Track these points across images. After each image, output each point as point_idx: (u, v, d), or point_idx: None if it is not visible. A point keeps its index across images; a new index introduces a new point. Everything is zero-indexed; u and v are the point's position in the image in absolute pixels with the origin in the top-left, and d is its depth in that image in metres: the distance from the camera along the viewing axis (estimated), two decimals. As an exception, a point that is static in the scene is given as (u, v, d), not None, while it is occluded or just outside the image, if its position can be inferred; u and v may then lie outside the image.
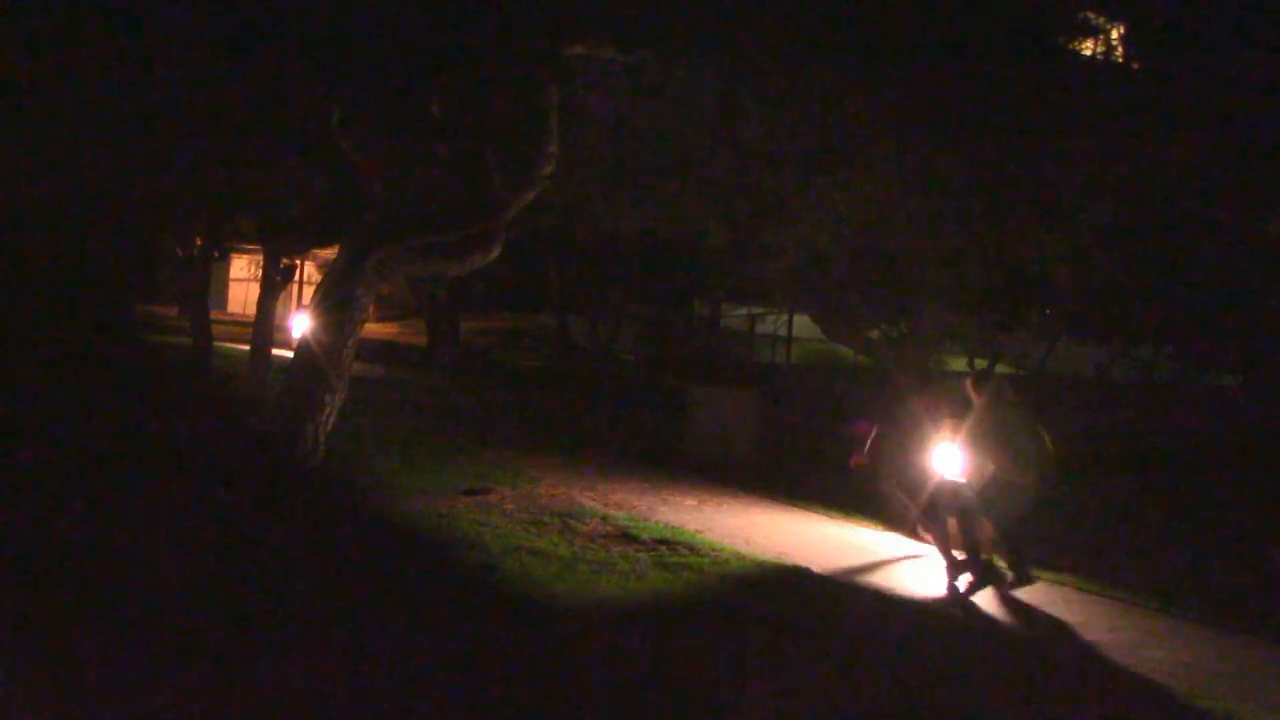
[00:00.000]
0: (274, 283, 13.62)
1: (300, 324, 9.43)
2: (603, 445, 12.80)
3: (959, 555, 7.11)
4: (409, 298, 24.72)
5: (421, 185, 8.19)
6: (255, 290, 16.36)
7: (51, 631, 4.63)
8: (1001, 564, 7.21)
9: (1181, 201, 9.57)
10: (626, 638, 5.49)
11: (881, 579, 7.31)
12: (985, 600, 6.86)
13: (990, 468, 7.12)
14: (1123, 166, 9.11)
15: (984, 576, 7.04)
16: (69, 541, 5.94)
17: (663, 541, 7.57)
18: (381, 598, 5.66)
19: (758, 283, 16.08)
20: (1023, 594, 7.03)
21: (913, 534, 8.23)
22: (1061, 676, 5.49)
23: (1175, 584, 7.90)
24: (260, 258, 15.29)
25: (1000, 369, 17.50)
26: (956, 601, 6.80)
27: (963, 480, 7.22)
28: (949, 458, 7.27)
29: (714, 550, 7.51)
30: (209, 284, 14.93)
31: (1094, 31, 9.47)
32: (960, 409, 7.43)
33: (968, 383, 7.61)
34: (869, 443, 8.02)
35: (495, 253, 8.25)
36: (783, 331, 23.62)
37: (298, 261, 18.12)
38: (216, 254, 14.86)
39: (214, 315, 15.67)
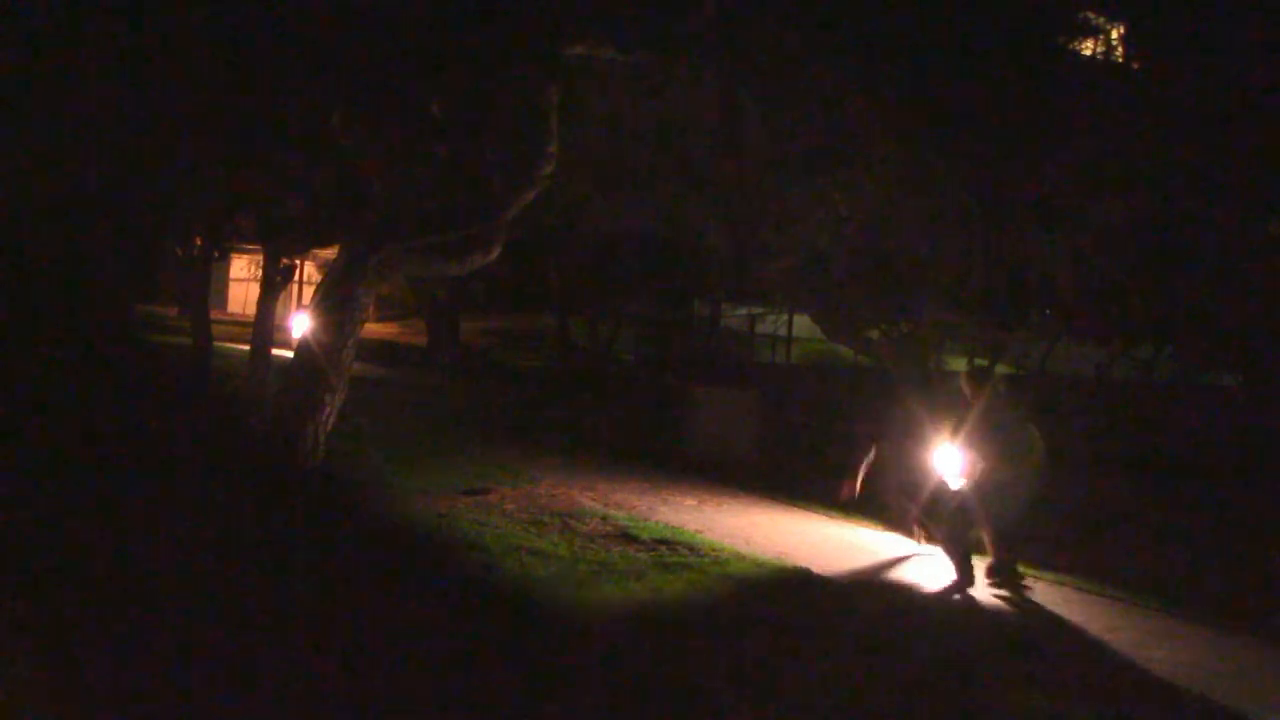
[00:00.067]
0: (274, 283, 13.61)
1: (300, 324, 9.43)
2: (603, 445, 12.80)
3: (960, 553, 7.11)
4: (409, 298, 24.74)
5: (421, 185, 8.18)
6: (255, 290, 16.36)
7: (51, 631, 4.63)
8: (988, 562, 7.22)
9: (1181, 201, 9.57)
10: (626, 638, 5.49)
11: (882, 579, 7.30)
12: (986, 600, 6.86)
13: (983, 465, 7.11)
14: (1123, 166, 9.12)
15: (1001, 575, 7.08)
16: (69, 541, 5.95)
17: (663, 541, 7.57)
18: (381, 598, 5.66)
19: (758, 283, 16.09)
20: (1016, 591, 7.04)
21: (912, 535, 8.22)
22: (1062, 676, 5.49)
23: (1175, 584, 7.90)
24: (260, 258, 15.29)
25: (1000, 369, 17.51)
26: (961, 592, 6.83)
27: (961, 479, 7.23)
28: (947, 457, 7.28)
29: (714, 550, 7.51)
30: (209, 284, 14.92)
31: (1094, 31, 9.48)
32: (957, 408, 7.44)
33: (963, 378, 7.62)
34: (862, 469, 8.07)
35: (495, 253, 8.25)
36: (783, 331, 23.62)
37: (298, 261, 18.12)
38: (216, 254, 14.85)
39: (214, 315, 15.66)
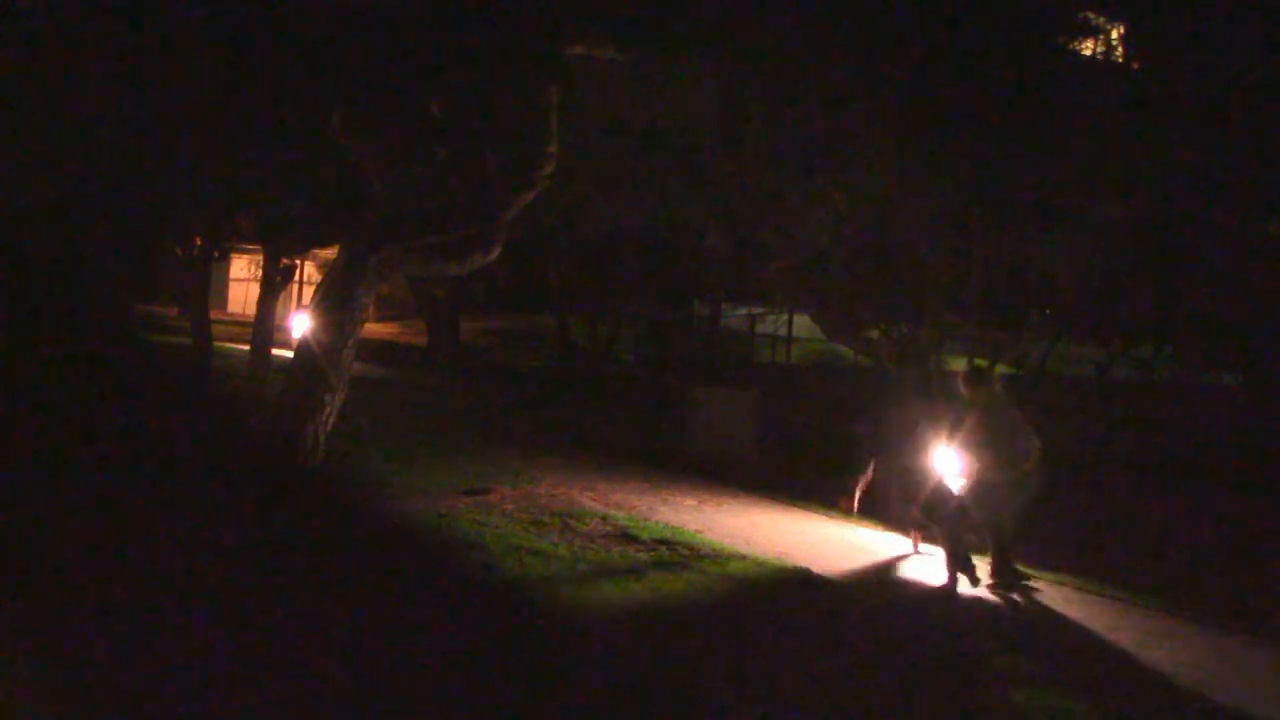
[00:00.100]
0: (274, 283, 13.63)
1: (300, 324, 9.42)
2: (603, 445, 12.80)
3: (957, 554, 7.11)
4: (409, 298, 24.73)
5: (421, 185, 8.18)
6: (255, 290, 16.37)
7: (51, 632, 4.63)
8: (991, 563, 7.22)
9: (1181, 201, 9.58)
10: (626, 638, 5.49)
11: (882, 579, 7.30)
12: (986, 600, 6.86)
13: (979, 465, 7.11)
14: (1123, 166, 9.12)
15: (1003, 576, 7.09)
16: (69, 541, 5.94)
17: (663, 541, 7.57)
18: (381, 598, 5.66)
19: (758, 283, 16.10)
20: (1021, 593, 7.04)
21: (910, 536, 8.22)
22: (1062, 675, 5.49)
23: (1175, 584, 7.90)
24: (260, 258, 15.30)
25: (1000, 369, 17.51)
26: (957, 592, 6.83)
27: (958, 480, 7.23)
28: (945, 458, 7.29)
29: (714, 550, 7.51)
30: (209, 284, 14.93)
31: (1094, 31, 9.48)
32: (954, 408, 7.45)
33: (959, 379, 7.62)
34: (860, 486, 8.08)
35: (495, 253, 8.25)
36: (783, 331, 23.62)
37: (298, 261, 18.14)
38: (216, 254, 14.85)
39: (214, 315, 15.66)
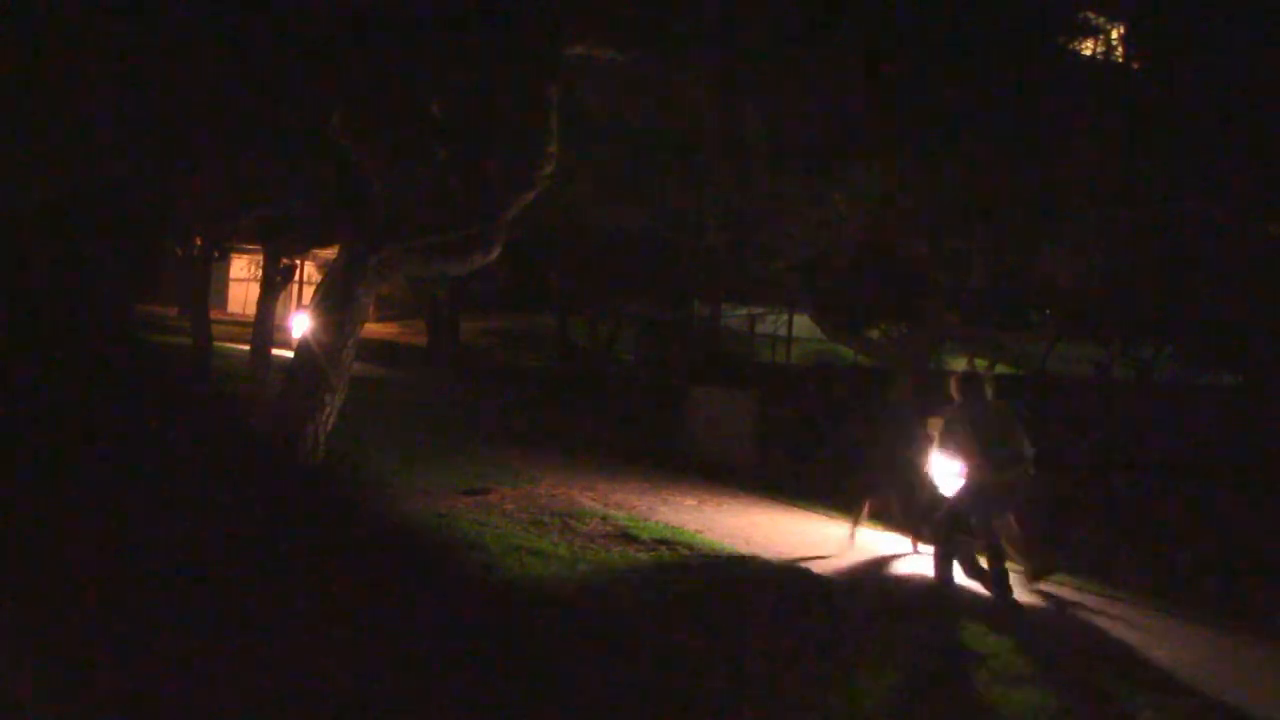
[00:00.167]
0: (274, 283, 13.62)
1: (300, 324, 9.42)
2: (603, 445, 12.80)
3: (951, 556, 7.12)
4: (409, 298, 24.73)
5: (421, 185, 8.18)
6: (255, 290, 16.37)
7: (51, 632, 4.63)
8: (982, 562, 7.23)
9: (1181, 201, 9.57)
10: (626, 638, 5.49)
11: (881, 579, 7.30)
12: (985, 600, 6.86)
13: (973, 466, 7.10)
14: (1123, 167, 9.11)
15: (1036, 577, 7.13)
16: (69, 541, 5.94)
17: (663, 541, 7.57)
18: (381, 598, 5.66)
19: (758, 283, 16.10)
20: (1021, 594, 7.04)
21: (911, 537, 8.22)
22: (1061, 676, 5.49)
23: (1175, 584, 7.90)
24: (260, 258, 15.29)
25: (1001, 369, 17.52)
26: (954, 592, 6.84)
27: (953, 482, 7.23)
28: (940, 461, 7.32)
29: (714, 550, 7.51)
30: (209, 284, 14.93)
31: (1094, 31, 9.48)
32: (949, 411, 7.47)
33: (951, 381, 7.63)
34: (863, 516, 8.10)
35: (495, 253, 8.25)
36: (783, 331, 23.63)
37: (298, 261, 18.13)
38: (216, 254, 14.86)
39: (214, 315, 15.66)
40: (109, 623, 4.77)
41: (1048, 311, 13.67)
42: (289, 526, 6.82)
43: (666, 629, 5.68)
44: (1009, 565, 7.11)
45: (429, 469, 9.77)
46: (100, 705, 3.99)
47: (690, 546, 7.50)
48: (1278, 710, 5.34)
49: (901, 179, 9.27)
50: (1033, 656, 5.72)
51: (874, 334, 13.88)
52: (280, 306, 14.56)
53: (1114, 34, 9.59)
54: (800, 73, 8.08)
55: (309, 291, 23.64)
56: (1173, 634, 6.58)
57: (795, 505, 9.90)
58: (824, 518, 9.39)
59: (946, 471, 7.29)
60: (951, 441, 7.22)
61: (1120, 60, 9.81)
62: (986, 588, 6.97)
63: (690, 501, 9.60)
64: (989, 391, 7.42)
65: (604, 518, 8.24)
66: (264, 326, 13.49)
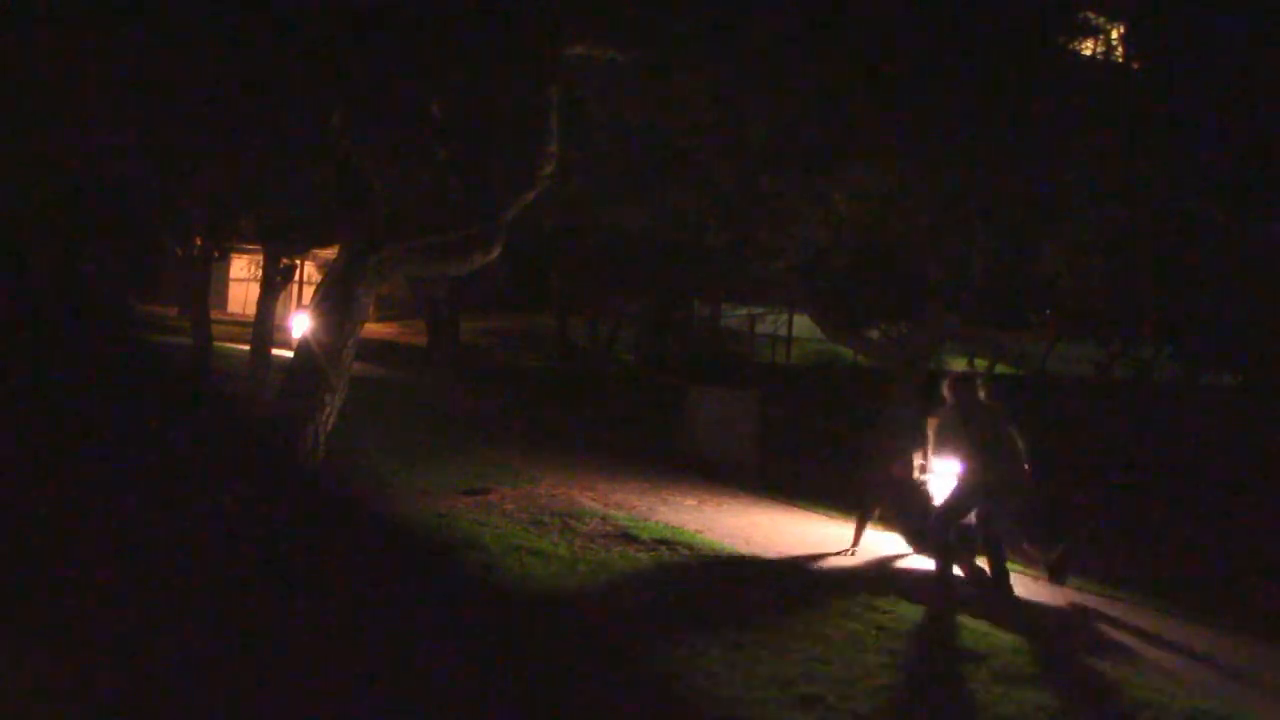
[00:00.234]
0: (274, 283, 13.61)
1: (300, 324, 9.42)
2: (603, 445, 12.80)
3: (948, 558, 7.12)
4: (409, 298, 24.73)
5: (421, 185, 8.19)
6: (255, 290, 16.35)
7: (51, 632, 4.63)
8: (981, 565, 7.23)
9: (1181, 202, 9.57)
10: (626, 638, 5.49)
11: (881, 579, 7.30)
12: (984, 601, 6.86)
13: (966, 469, 7.11)
14: (1123, 167, 9.11)
15: (1057, 577, 7.14)
16: (69, 541, 5.94)
17: (663, 541, 7.57)
18: (381, 598, 5.66)
19: (758, 283, 16.09)
20: (1021, 594, 7.04)
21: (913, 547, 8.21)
22: (1061, 676, 5.49)
23: (1175, 584, 7.90)
24: (260, 258, 15.28)
25: (1000, 369, 17.52)
26: (953, 594, 6.84)
27: (947, 484, 7.24)
28: (936, 465, 7.34)
29: (714, 550, 7.51)
30: (209, 284, 14.92)
31: (1094, 31, 9.47)
32: (941, 412, 7.48)
33: (945, 383, 7.64)
34: (867, 524, 8.10)
35: (495, 253, 8.25)
36: (783, 331, 23.65)
37: (298, 261, 18.10)
38: (216, 254, 14.84)
39: (214, 315, 15.65)
40: (109, 623, 4.77)
41: (1048, 311, 13.67)
42: (289, 526, 6.82)
43: (666, 629, 5.68)
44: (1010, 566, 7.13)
45: (429, 469, 9.77)
46: (100, 705, 3.99)
47: (690, 546, 7.50)
48: (1276, 710, 5.34)
49: (901, 179, 9.26)
50: (1033, 656, 5.72)
51: (874, 334, 13.88)
52: (280, 306, 14.56)
53: (1114, 34, 9.59)
54: (800, 73, 8.08)
55: (309, 291, 23.63)
56: (1173, 634, 6.58)
57: (795, 505, 9.90)
58: (824, 518, 9.39)
59: (943, 472, 7.30)
60: (946, 442, 7.25)
61: (1120, 60, 9.81)
62: (986, 590, 6.98)
63: (690, 501, 9.60)
64: (981, 392, 7.43)
65: (604, 518, 8.24)
66: (264, 326, 13.48)
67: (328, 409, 7.93)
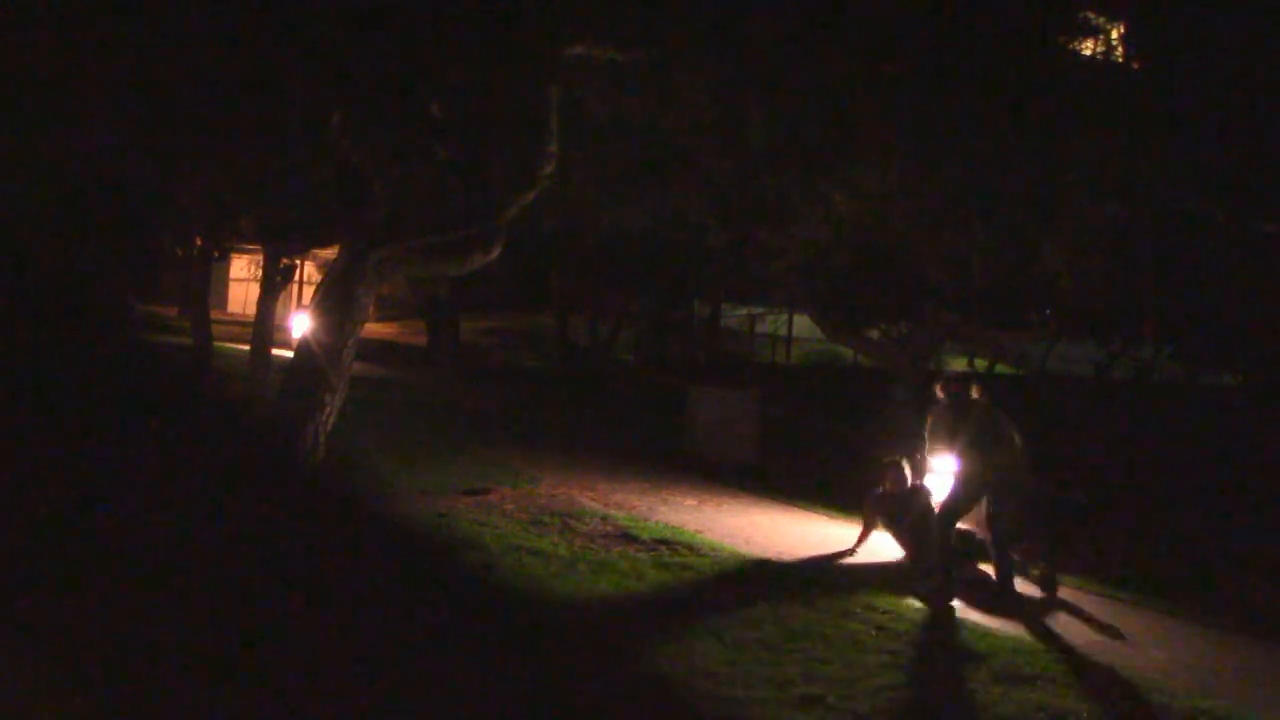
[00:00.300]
0: (274, 283, 13.61)
1: (300, 324, 9.42)
2: (603, 445, 12.80)
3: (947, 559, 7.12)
4: (409, 298, 24.72)
5: (421, 185, 8.19)
6: (255, 290, 16.34)
7: (51, 633, 4.63)
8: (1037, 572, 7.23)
9: (1181, 201, 9.58)
10: (626, 638, 5.49)
11: (881, 579, 7.30)
12: (983, 601, 6.86)
13: (963, 469, 7.10)
14: (1123, 167, 9.11)
15: (1047, 585, 7.10)
16: (68, 541, 5.94)
17: (663, 541, 7.57)
18: (381, 597, 5.66)
19: (758, 283, 16.10)
20: (1020, 593, 7.04)
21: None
22: (1061, 676, 5.49)
23: (1175, 584, 7.90)
24: (260, 258, 15.27)
25: (1000, 369, 17.52)
26: (951, 595, 6.83)
27: (945, 487, 7.24)
28: (933, 467, 7.35)
29: (714, 550, 7.51)
30: (209, 284, 14.93)
31: (1094, 31, 9.47)
32: (937, 413, 7.49)
33: (940, 384, 7.64)
34: (869, 533, 8.11)
35: (495, 253, 8.25)
36: (783, 331, 23.66)
37: (298, 261, 18.10)
38: (216, 254, 14.85)
39: (214, 315, 15.66)
40: (109, 623, 4.77)
41: (1048, 311, 13.66)
42: (289, 526, 6.82)
43: (666, 629, 5.68)
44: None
45: (429, 469, 9.77)
46: (100, 705, 3.99)
47: (690, 546, 7.50)
48: (1276, 710, 5.34)
49: (901, 179, 9.26)
50: (1033, 656, 5.72)
51: (874, 334, 13.88)
52: (280, 306, 14.55)
53: (1114, 34, 9.59)
54: (800, 73, 8.08)
55: (309, 291, 23.63)
56: (1173, 634, 6.58)
57: (795, 505, 9.90)
58: (824, 518, 9.39)
59: (940, 470, 7.31)
60: (940, 441, 7.28)
61: (1120, 60, 9.81)
62: (988, 590, 6.98)
63: (690, 501, 9.60)
64: (974, 391, 7.44)
65: (604, 518, 8.24)
66: (264, 326, 13.48)
67: (328, 409, 7.93)
